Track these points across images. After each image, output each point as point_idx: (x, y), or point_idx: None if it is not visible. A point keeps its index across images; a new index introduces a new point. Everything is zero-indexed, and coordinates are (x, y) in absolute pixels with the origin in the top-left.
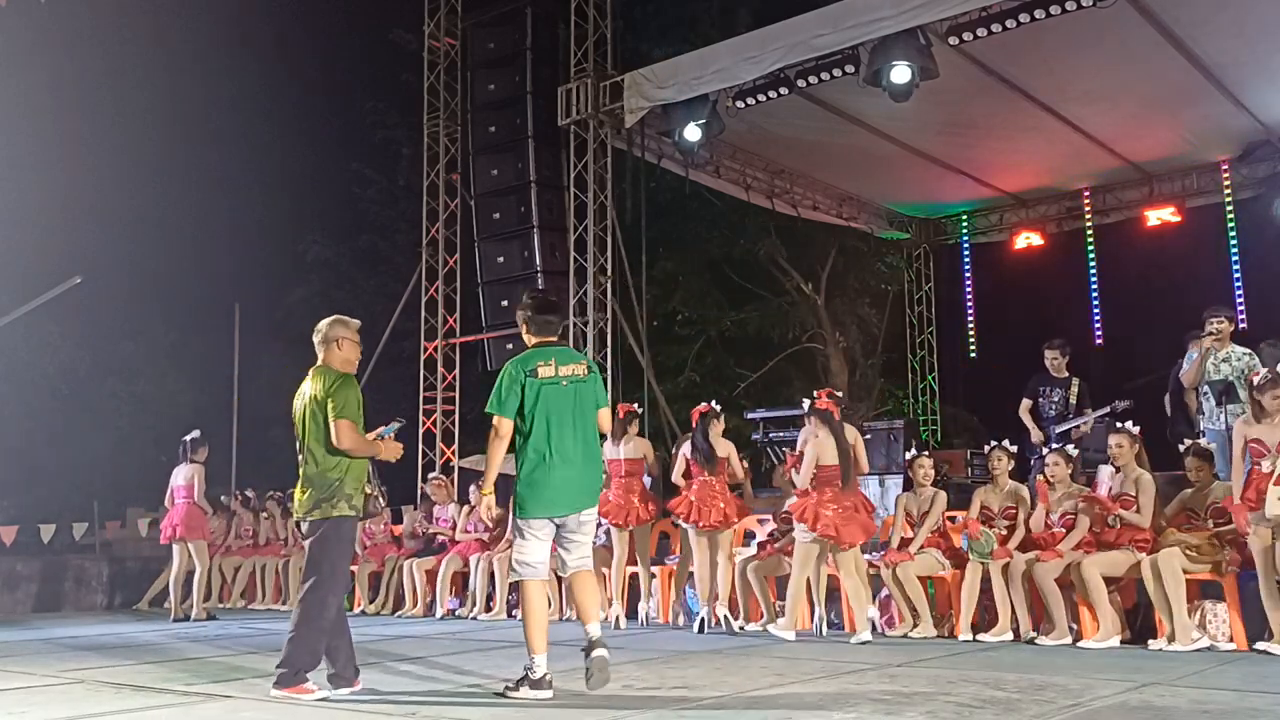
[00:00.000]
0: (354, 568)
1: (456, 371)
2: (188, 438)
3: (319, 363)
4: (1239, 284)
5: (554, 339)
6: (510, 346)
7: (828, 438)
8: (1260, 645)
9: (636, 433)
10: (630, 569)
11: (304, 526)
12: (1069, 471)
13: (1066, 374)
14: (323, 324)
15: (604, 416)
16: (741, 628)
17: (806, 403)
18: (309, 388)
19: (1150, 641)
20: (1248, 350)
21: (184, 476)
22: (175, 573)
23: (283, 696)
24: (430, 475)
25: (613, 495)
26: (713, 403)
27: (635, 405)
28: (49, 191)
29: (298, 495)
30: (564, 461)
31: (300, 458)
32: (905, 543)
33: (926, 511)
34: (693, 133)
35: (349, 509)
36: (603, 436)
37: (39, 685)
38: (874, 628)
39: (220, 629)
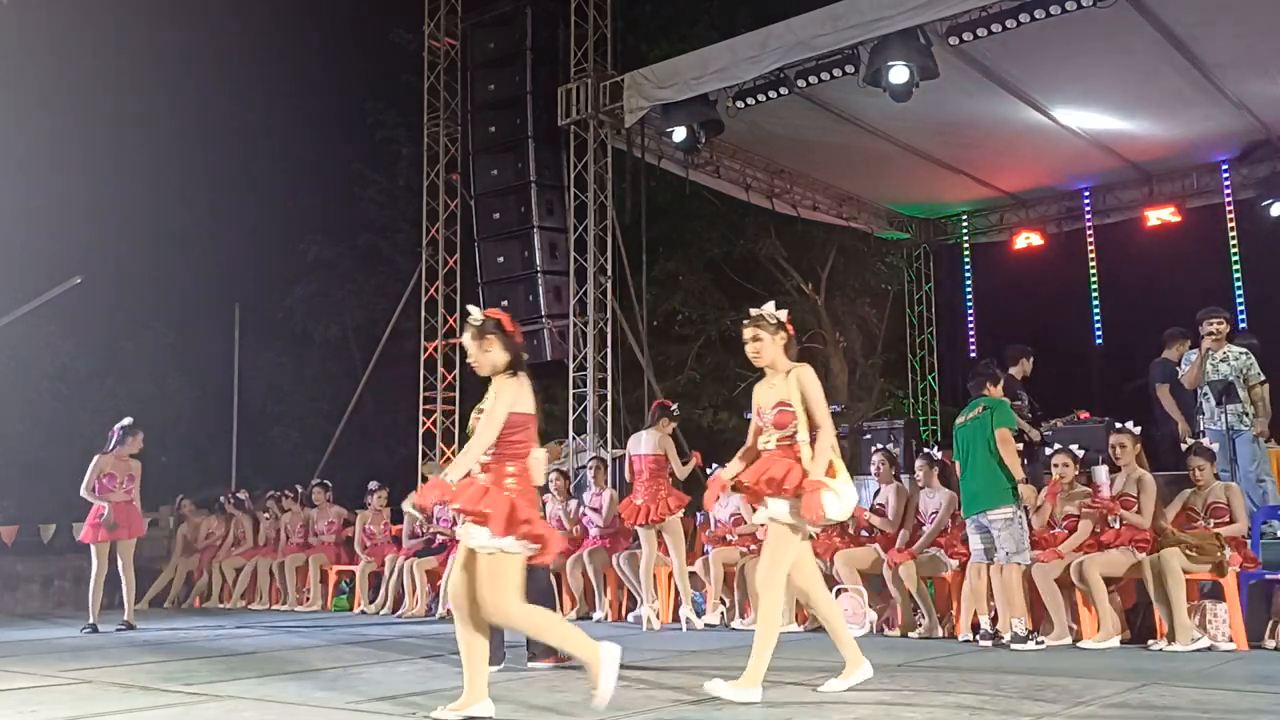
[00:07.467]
0: (354, 568)
1: (457, 371)
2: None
3: None
4: (1239, 284)
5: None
6: None
7: None
8: None
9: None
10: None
11: None
12: (1074, 472)
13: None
14: None
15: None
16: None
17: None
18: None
19: (1150, 641)
20: (1244, 349)
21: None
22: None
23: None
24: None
25: (641, 496)
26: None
27: (668, 401)
28: (49, 191)
29: None
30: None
31: None
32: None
33: (935, 511)
34: (688, 134)
35: None
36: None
37: (43, 685)
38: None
39: (220, 629)
